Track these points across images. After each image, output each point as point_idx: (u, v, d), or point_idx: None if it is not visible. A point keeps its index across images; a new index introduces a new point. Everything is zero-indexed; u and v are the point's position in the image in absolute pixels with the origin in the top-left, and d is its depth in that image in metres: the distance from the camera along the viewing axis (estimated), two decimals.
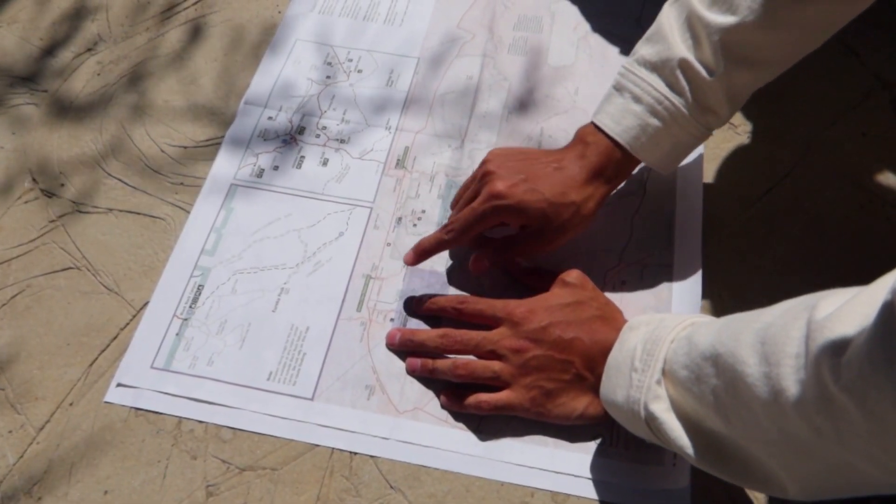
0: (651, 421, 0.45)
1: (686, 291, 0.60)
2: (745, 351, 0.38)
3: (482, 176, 0.57)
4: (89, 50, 0.78)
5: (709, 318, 0.47)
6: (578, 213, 0.55)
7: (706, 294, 0.60)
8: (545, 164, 0.56)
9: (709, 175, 0.66)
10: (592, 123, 0.57)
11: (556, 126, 0.69)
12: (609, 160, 0.56)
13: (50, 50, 0.78)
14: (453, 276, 0.61)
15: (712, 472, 0.44)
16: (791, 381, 0.35)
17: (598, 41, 0.75)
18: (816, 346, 0.33)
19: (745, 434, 0.40)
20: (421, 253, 0.59)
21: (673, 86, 0.53)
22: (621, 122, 0.55)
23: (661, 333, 0.46)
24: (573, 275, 0.56)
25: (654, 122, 0.54)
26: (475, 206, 0.56)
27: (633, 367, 0.46)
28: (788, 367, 0.35)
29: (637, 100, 0.54)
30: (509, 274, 0.61)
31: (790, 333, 0.35)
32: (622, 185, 0.65)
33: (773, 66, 0.55)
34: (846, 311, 0.33)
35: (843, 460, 0.35)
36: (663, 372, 0.45)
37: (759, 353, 0.37)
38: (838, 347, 0.32)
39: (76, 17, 0.81)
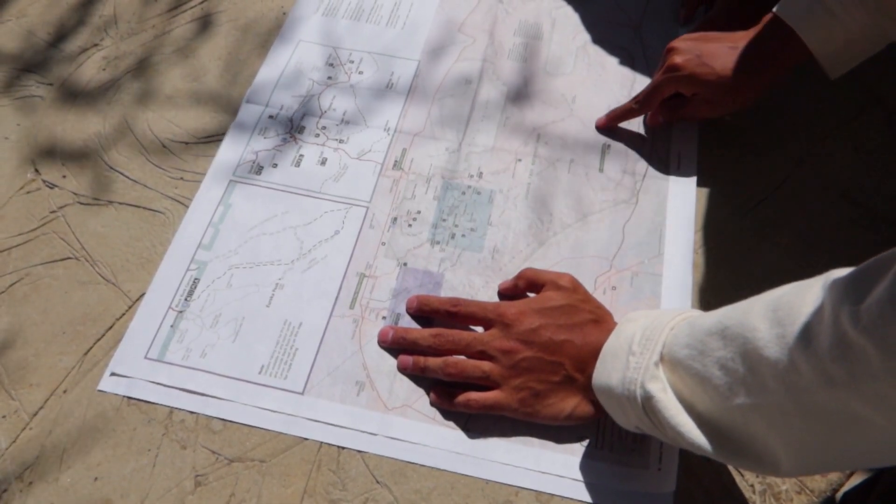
0: (647, 401, 0.45)
1: (675, 299, 0.60)
2: (755, 319, 0.40)
3: (665, 53, 0.66)
4: (95, 45, 0.79)
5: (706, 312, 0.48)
6: (744, 87, 0.62)
7: (695, 302, 0.61)
8: (721, 44, 0.63)
9: (702, 185, 0.66)
10: (774, 13, 0.61)
11: (553, 132, 0.70)
12: (782, 45, 0.60)
13: (57, 44, 0.79)
14: (447, 276, 0.62)
15: (706, 454, 0.44)
16: (806, 336, 0.37)
17: (596, 51, 0.76)
18: (836, 297, 0.35)
19: (746, 402, 0.41)
20: (613, 118, 0.70)
21: None
22: (801, 13, 0.59)
23: (661, 321, 0.48)
24: (565, 279, 0.57)
25: (832, 15, 0.57)
26: (656, 77, 0.66)
27: (631, 352, 0.47)
28: (803, 324, 0.37)
29: None
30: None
31: (805, 298, 0.38)
32: (616, 193, 0.66)
33: None
34: (865, 267, 0.35)
35: (852, 413, 0.36)
36: (661, 356, 0.46)
37: (771, 318, 0.39)
38: (858, 297, 0.34)
39: (83, 12, 0.82)
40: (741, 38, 0.63)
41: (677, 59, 0.64)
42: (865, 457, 0.39)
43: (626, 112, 0.69)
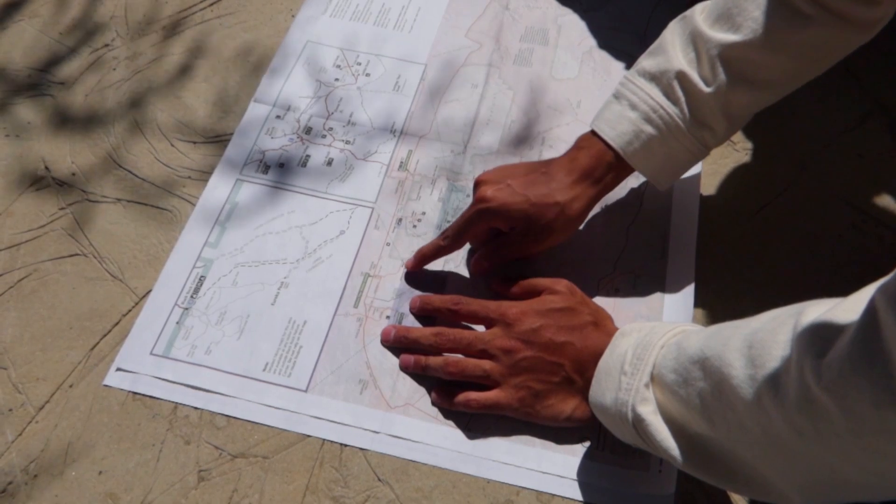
0: (638, 423, 0.46)
1: (678, 303, 0.61)
2: (732, 354, 0.39)
3: (475, 185, 0.60)
4: (106, 45, 0.80)
5: (699, 327, 0.48)
6: (563, 213, 0.57)
7: (698, 306, 0.61)
8: (533, 170, 0.58)
9: (706, 190, 0.67)
10: (591, 130, 0.58)
11: (557, 136, 0.71)
12: (599, 163, 0.57)
13: (68, 43, 0.80)
14: (450, 276, 0.62)
15: (697, 475, 0.45)
16: (775, 383, 0.36)
17: (602, 56, 0.77)
18: (801, 348, 0.34)
19: (728, 436, 0.41)
20: (421, 258, 0.62)
21: (669, 96, 0.55)
22: (616, 127, 0.56)
23: (652, 339, 0.47)
24: (562, 283, 0.57)
25: (648, 129, 0.55)
26: (465, 212, 0.59)
27: (623, 371, 0.47)
28: (773, 370, 0.36)
29: (633, 107, 0.55)
30: (491, 289, 0.61)
31: (777, 338, 0.37)
32: (620, 195, 0.66)
33: (773, 89, 0.56)
34: (831, 315, 0.34)
35: (825, 462, 0.35)
36: (652, 377, 0.46)
37: (746, 356, 0.38)
38: (821, 349, 0.33)
39: (95, 13, 0.83)
40: (554, 163, 0.58)
41: (485, 190, 0.57)
42: (858, 493, 0.37)
43: (435, 251, 0.61)
